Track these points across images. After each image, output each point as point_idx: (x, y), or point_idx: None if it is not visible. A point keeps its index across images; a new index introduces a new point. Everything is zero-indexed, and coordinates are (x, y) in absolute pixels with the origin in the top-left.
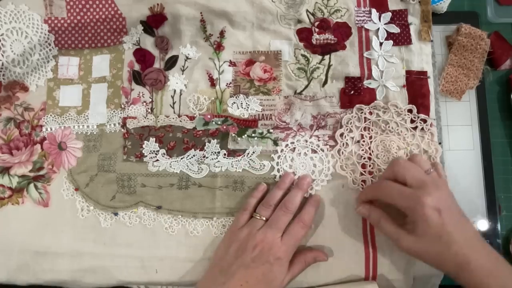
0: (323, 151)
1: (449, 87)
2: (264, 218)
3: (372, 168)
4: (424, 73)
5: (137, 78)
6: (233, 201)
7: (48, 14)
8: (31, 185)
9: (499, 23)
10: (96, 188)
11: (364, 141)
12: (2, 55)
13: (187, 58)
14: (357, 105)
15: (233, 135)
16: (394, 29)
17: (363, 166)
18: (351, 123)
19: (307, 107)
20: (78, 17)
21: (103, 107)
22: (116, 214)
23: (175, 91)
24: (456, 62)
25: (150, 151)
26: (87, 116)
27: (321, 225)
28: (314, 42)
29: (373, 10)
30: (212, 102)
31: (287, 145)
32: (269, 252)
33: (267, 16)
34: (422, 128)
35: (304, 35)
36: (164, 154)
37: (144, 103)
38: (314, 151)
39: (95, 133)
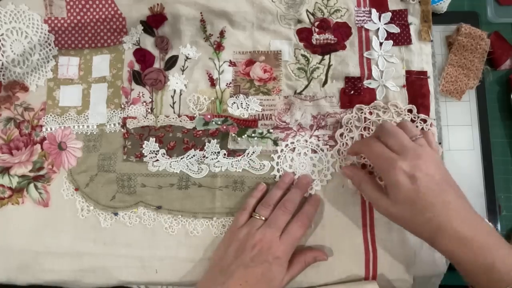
0: (323, 151)
1: (449, 87)
2: (263, 218)
3: (372, 168)
4: (424, 73)
5: (137, 78)
6: (233, 201)
7: (48, 14)
8: (31, 185)
9: (499, 23)
10: (96, 188)
11: None
12: (2, 55)
13: (187, 58)
14: (357, 105)
15: (233, 135)
16: (394, 29)
17: (363, 166)
18: (351, 123)
19: (307, 107)
20: (78, 17)
21: (103, 107)
22: (116, 214)
23: (175, 91)
24: (456, 62)
25: (150, 151)
26: (87, 116)
27: (321, 225)
28: (314, 42)
29: (373, 10)
30: (212, 102)
31: (287, 145)
32: (268, 252)
33: (267, 16)
34: (422, 128)
35: (304, 35)
36: (164, 154)
37: (144, 103)
38: (314, 151)
39: (95, 133)
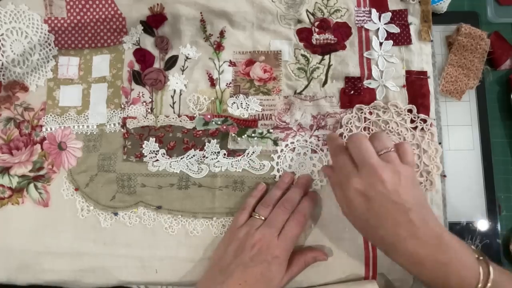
0: (323, 151)
1: (449, 87)
2: (262, 218)
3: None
4: (424, 73)
5: (137, 78)
6: (233, 201)
7: (48, 14)
8: (31, 185)
9: (499, 23)
10: (96, 188)
11: None
12: (2, 55)
13: (187, 58)
14: (357, 105)
15: (233, 135)
16: (394, 29)
17: None
18: (351, 123)
19: (307, 107)
20: (78, 17)
21: (103, 107)
22: (116, 214)
23: (175, 91)
24: (456, 62)
25: (150, 151)
26: (87, 116)
27: (321, 225)
28: (314, 42)
29: (373, 10)
30: (212, 102)
31: (287, 145)
32: (267, 251)
33: (267, 16)
34: (422, 128)
35: (304, 35)
36: (164, 154)
37: (144, 103)
38: (314, 151)
39: (95, 133)
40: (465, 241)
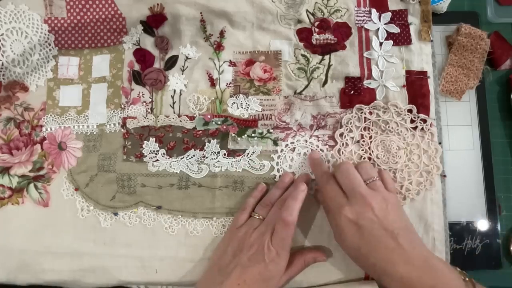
0: (323, 151)
1: (449, 87)
2: (261, 217)
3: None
4: (424, 73)
5: (137, 78)
6: (233, 201)
7: (48, 14)
8: (31, 185)
9: (499, 23)
10: (96, 188)
11: (364, 141)
12: (2, 55)
13: (187, 58)
14: (357, 105)
15: (233, 135)
16: (394, 29)
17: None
18: (351, 123)
19: (307, 107)
20: (78, 17)
21: (103, 107)
22: (116, 214)
23: (175, 91)
24: (456, 62)
25: (150, 151)
26: (87, 116)
27: (321, 225)
28: (314, 42)
29: (373, 10)
30: (212, 102)
31: (287, 145)
32: (264, 251)
33: (267, 16)
34: (422, 128)
35: (304, 35)
36: (164, 154)
37: (144, 103)
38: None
39: (95, 133)
40: (465, 241)
